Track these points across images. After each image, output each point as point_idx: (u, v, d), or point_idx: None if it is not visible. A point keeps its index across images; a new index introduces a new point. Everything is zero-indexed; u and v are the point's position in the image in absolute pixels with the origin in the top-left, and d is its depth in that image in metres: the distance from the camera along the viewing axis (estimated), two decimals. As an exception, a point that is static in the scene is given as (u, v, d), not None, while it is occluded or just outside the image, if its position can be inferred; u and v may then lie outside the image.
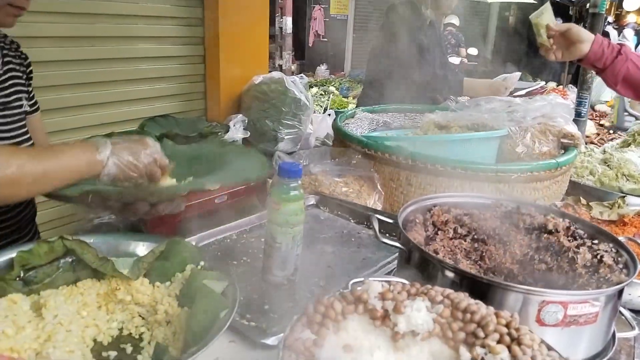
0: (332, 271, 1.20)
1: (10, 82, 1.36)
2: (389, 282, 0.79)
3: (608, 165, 1.96)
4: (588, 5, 3.09)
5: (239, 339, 0.94)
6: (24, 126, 1.39)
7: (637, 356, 1.04)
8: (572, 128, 1.72)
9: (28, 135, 1.40)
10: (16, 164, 0.86)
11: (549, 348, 0.69)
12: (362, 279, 0.81)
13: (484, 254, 1.05)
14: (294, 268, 1.11)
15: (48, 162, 0.91)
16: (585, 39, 1.60)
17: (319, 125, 3.44)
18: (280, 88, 3.22)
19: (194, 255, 0.97)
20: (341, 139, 1.86)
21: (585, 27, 3.20)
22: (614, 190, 1.86)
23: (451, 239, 1.08)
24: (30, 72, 1.49)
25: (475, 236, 1.09)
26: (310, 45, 11.09)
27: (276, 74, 3.38)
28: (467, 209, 1.14)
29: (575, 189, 1.84)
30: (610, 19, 11.89)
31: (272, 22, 7.85)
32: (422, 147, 1.66)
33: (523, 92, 6.49)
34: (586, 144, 4.20)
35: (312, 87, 7.83)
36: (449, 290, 0.74)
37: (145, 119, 3.13)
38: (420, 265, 0.94)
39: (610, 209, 1.61)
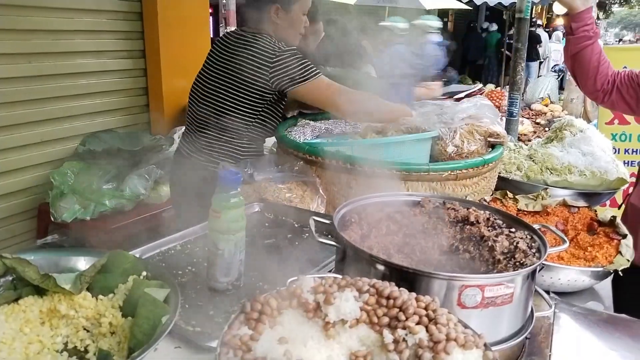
0: (276, 273, 1.25)
1: None
2: (322, 277, 0.85)
3: (533, 161, 2.11)
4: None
5: (185, 345, 0.98)
6: None
7: (555, 332, 1.14)
8: (497, 127, 1.85)
9: None
10: None
11: (465, 326, 0.76)
12: (296, 277, 0.87)
13: (414, 247, 1.13)
14: (237, 273, 1.15)
15: None
16: None
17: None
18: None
19: (136, 266, 1.00)
20: (284, 147, 1.92)
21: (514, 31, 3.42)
22: (539, 184, 2.00)
23: (384, 235, 1.16)
24: None
25: (407, 231, 1.17)
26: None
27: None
28: (398, 207, 1.22)
29: (505, 184, 1.97)
30: (540, 22, 12.57)
31: (216, 33, 7.83)
32: (360, 151, 1.74)
33: (462, 94, 6.79)
34: (524, 141, 4.45)
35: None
36: (375, 280, 0.81)
37: (87, 134, 3.10)
38: (354, 261, 1.00)
39: (535, 200, 1.74)
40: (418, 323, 0.72)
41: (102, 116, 3.27)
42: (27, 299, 0.95)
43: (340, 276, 0.85)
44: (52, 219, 2.73)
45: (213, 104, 2.02)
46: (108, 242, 1.97)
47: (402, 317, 0.73)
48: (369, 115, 1.94)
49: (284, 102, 2.14)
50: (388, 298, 0.76)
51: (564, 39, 1.99)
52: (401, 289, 0.81)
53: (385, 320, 0.74)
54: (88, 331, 0.95)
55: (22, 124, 2.84)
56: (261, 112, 2.02)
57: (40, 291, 0.96)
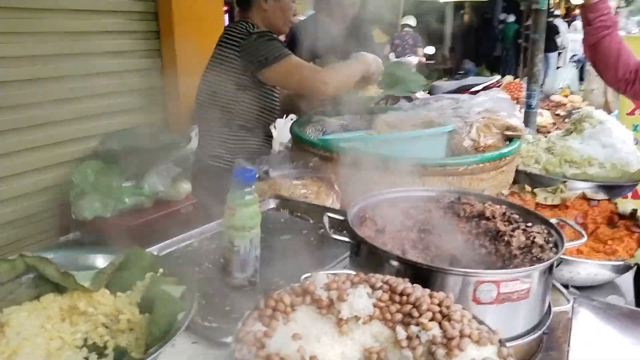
0: (292, 269, 1.25)
1: None
2: (335, 274, 0.85)
3: (552, 153, 2.07)
4: (535, 1, 3.24)
5: (202, 340, 0.99)
6: None
7: (574, 327, 1.13)
8: (514, 121, 1.82)
9: None
10: None
11: (480, 322, 0.76)
12: (310, 274, 0.87)
13: (429, 243, 1.12)
14: (253, 270, 1.16)
15: None
16: None
17: (282, 131, 3.49)
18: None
19: (152, 263, 1.01)
20: (299, 144, 1.92)
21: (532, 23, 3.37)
22: (558, 177, 1.96)
23: (399, 230, 1.15)
24: None
25: (421, 227, 1.16)
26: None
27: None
28: (413, 202, 1.22)
29: (523, 177, 1.95)
30: (559, 12, 12.34)
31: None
32: (375, 146, 1.73)
33: (480, 87, 6.71)
34: (543, 133, 4.38)
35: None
36: (388, 277, 0.80)
37: (106, 134, 3.15)
38: (368, 257, 1.00)
39: (554, 194, 1.72)
40: (431, 319, 0.72)
41: (120, 116, 3.31)
42: (48, 297, 0.98)
43: (353, 272, 0.86)
44: (73, 216, 2.78)
45: (205, 98, 2.08)
46: (128, 239, 2.00)
47: (416, 314, 0.73)
48: (346, 85, 2.00)
49: (271, 91, 2.13)
50: (401, 294, 0.76)
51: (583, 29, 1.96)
52: (415, 285, 0.81)
53: (399, 316, 0.74)
54: (107, 327, 0.96)
55: (41, 124, 2.89)
56: (247, 102, 2.02)
57: (60, 289, 0.98)
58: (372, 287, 0.78)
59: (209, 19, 3.50)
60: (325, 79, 1.89)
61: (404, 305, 0.75)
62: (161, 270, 1.00)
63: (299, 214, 1.60)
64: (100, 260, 1.04)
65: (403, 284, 0.78)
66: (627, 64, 1.87)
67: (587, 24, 1.90)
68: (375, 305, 0.75)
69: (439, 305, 0.74)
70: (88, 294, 0.97)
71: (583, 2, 1.86)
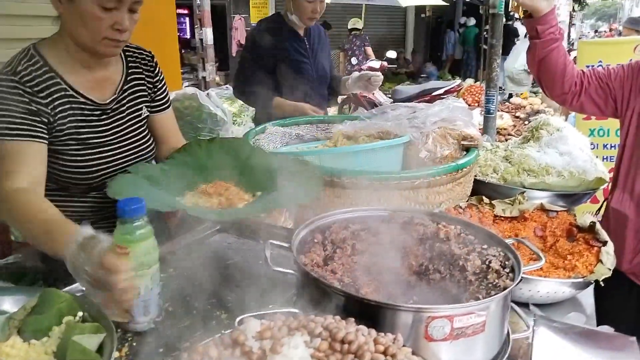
0: (234, 299, 1.15)
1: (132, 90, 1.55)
2: (272, 315, 0.76)
3: (510, 162, 2.04)
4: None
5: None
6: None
7: (534, 352, 1.07)
8: (471, 130, 1.77)
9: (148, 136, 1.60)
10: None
11: (430, 368, 0.68)
12: (246, 315, 0.78)
13: (382, 268, 1.05)
14: (157, 309, 1.05)
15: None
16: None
17: (239, 139, 3.39)
18: (195, 104, 3.14)
19: (71, 305, 0.90)
20: (251, 156, 1.82)
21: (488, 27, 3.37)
22: (516, 186, 1.92)
23: (349, 256, 1.07)
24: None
25: (373, 251, 1.08)
26: (233, 55, 10.97)
27: (189, 90, 3.30)
28: (365, 224, 1.14)
29: (482, 187, 1.90)
30: (518, 15, 12.62)
31: (192, 34, 7.69)
32: (330, 160, 1.65)
33: (441, 90, 6.76)
34: (504, 135, 4.39)
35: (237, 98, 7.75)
36: (329, 320, 0.72)
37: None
38: (314, 291, 0.92)
39: (512, 205, 1.67)
40: (375, 371, 0.64)
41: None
42: (-54, 349, 0.85)
43: (295, 311, 0.77)
44: (13, 237, 2.59)
45: None
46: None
47: (358, 365, 0.65)
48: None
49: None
50: (342, 342, 0.68)
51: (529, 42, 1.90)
52: (359, 327, 0.72)
53: (339, 369, 0.65)
54: (18, 382, 0.85)
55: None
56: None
57: (-39, 339, 0.86)
58: (311, 333, 0.70)
59: (159, 21, 3.36)
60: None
61: (346, 355, 0.66)
62: (80, 313, 0.89)
63: (247, 235, 1.50)
64: (10, 303, 0.92)
65: (344, 329, 0.69)
66: (572, 76, 1.83)
67: (535, 37, 1.81)
68: (313, 356, 0.66)
69: (384, 353, 0.66)
70: (-6, 344, 0.85)
71: (531, 13, 1.78)
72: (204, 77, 7.31)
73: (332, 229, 1.13)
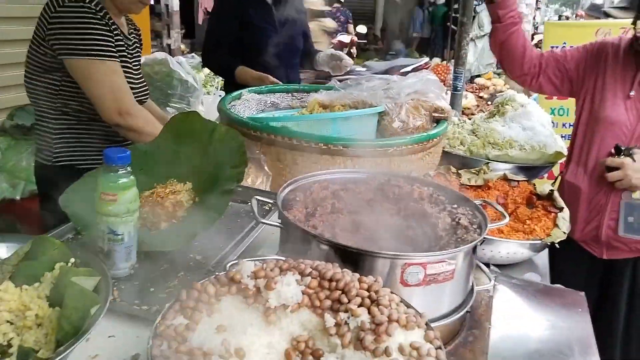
0: (207, 244, 1.20)
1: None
2: (264, 260, 0.82)
3: (476, 135, 2.14)
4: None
5: (119, 334, 0.93)
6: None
7: (494, 304, 1.17)
8: (442, 103, 1.85)
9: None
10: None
11: (408, 306, 0.76)
12: (236, 261, 0.84)
13: (359, 225, 1.12)
14: (135, 255, 1.10)
15: None
16: None
17: (210, 107, 3.38)
18: (165, 69, 3.10)
19: (63, 252, 0.93)
20: (227, 122, 1.85)
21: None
22: (481, 158, 2.04)
23: (329, 213, 1.14)
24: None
25: (352, 209, 1.15)
26: (200, 23, 10.68)
27: (159, 55, 3.25)
28: (343, 184, 1.20)
29: (449, 158, 2.00)
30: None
31: (157, 0, 7.45)
32: (307, 126, 1.70)
33: (409, 68, 6.84)
34: (467, 115, 4.52)
35: (205, 67, 7.60)
36: (317, 262, 0.78)
37: (15, 107, 2.89)
38: (299, 241, 0.98)
39: (477, 175, 1.78)
40: (360, 305, 0.71)
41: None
42: (-59, 292, 0.87)
43: (282, 258, 0.83)
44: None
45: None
46: (40, 224, 1.85)
47: (345, 300, 0.71)
48: (143, 137, 1.63)
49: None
50: (330, 280, 0.74)
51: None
52: (344, 269, 0.79)
53: (328, 303, 0.72)
54: (12, 324, 0.88)
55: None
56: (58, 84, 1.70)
57: (-45, 283, 0.88)
58: (301, 273, 0.76)
59: None
60: (129, 110, 1.63)
61: (333, 291, 0.73)
62: (72, 260, 0.92)
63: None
64: (3, 250, 0.94)
65: (332, 269, 0.76)
66: (531, 58, 1.95)
67: (496, 20, 1.92)
68: (304, 293, 0.73)
69: (368, 290, 0.73)
70: (-12, 288, 0.88)
71: None
72: (168, 45, 7.12)
73: (313, 188, 1.18)
